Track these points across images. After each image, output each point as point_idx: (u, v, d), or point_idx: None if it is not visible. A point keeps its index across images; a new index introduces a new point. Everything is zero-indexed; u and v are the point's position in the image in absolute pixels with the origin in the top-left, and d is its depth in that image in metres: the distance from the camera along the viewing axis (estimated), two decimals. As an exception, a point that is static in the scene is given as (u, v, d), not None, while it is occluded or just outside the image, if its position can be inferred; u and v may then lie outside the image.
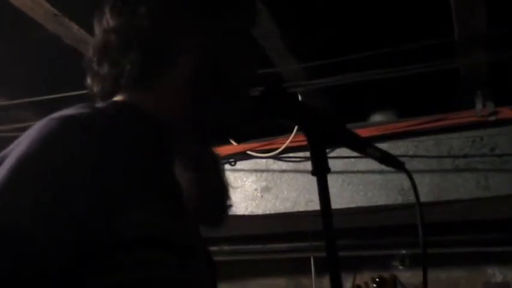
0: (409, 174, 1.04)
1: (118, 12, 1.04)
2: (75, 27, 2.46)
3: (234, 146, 3.10)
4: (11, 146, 0.87)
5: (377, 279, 1.89)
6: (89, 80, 1.06)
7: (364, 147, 1.06)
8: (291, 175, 3.07)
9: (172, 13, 1.02)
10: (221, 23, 1.06)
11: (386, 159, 1.05)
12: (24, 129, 0.91)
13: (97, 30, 1.07)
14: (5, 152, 0.87)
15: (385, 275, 1.90)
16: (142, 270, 0.83)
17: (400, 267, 1.93)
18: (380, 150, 1.05)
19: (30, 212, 0.78)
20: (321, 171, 1.01)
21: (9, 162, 0.82)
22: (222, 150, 3.10)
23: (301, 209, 3.02)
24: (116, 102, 1.02)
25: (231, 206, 1.88)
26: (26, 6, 2.38)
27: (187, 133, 1.06)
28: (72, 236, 0.79)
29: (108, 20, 1.04)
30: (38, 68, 2.79)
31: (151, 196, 0.89)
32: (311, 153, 1.03)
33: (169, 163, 1.01)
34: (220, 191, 1.84)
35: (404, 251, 1.97)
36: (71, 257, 0.79)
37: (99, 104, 0.99)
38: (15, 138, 0.91)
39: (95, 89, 1.05)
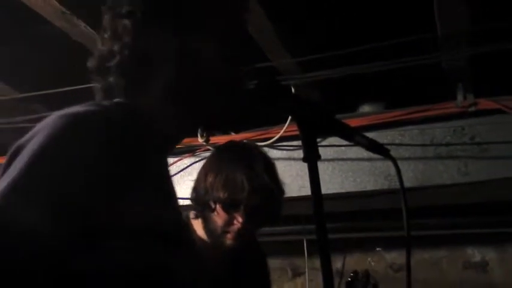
0: (394, 161, 1.04)
1: (101, 36, 1.08)
2: (82, 24, 2.45)
3: (232, 136, 3.10)
4: (26, 137, 0.88)
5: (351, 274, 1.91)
6: (94, 82, 1.10)
7: (352, 135, 1.06)
8: (285, 162, 3.07)
9: (143, 32, 1.03)
10: (193, 35, 1.05)
11: (373, 146, 1.05)
12: (34, 120, 0.92)
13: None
14: (20, 141, 0.88)
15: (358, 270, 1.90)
16: (134, 255, 0.85)
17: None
18: (367, 138, 1.05)
19: (44, 199, 0.79)
20: (311, 158, 1.01)
21: (25, 154, 0.84)
22: (222, 139, 3.10)
23: (294, 194, 3.02)
24: (117, 102, 1.04)
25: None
26: (36, 4, 2.37)
27: (179, 129, 1.09)
28: (79, 221, 0.81)
29: (101, 37, 1.08)
30: (47, 63, 2.78)
31: (147, 189, 0.91)
32: (302, 141, 1.03)
33: (162, 158, 1.05)
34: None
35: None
36: (75, 242, 0.80)
37: (105, 102, 1.01)
38: (25, 128, 0.91)
39: (98, 90, 1.09)
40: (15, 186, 0.80)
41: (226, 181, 1.70)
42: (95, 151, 0.85)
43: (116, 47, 1.03)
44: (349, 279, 1.85)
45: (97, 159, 0.85)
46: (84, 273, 0.82)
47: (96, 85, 1.08)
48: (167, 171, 1.08)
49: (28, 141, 0.86)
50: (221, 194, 1.69)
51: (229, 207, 1.70)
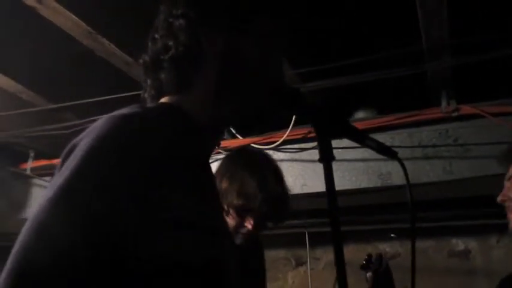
0: (401, 161, 1.04)
1: (152, 37, 1.05)
2: (106, 42, 2.46)
3: (239, 140, 3.11)
4: (81, 136, 0.88)
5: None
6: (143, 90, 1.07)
7: (363, 138, 1.05)
8: (288, 163, 3.07)
9: (191, 31, 1.01)
10: (237, 36, 1.03)
11: (381, 149, 1.04)
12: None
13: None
14: (75, 140, 0.88)
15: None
16: (174, 246, 0.83)
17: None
18: (377, 141, 1.04)
19: (96, 192, 0.78)
20: (327, 158, 1.00)
21: (78, 153, 0.83)
22: (230, 143, 3.10)
23: (296, 192, 3.01)
24: (162, 103, 1.03)
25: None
26: (65, 25, 2.40)
27: (216, 128, 1.06)
28: (126, 209, 0.79)
29: (149, 44, 1.05)
30: (76, 77, 2.79)
31: (187, 184, 0.89)
32: (318, 143, 1.01)
33: (203, 156, 1.02)
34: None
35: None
36: (124, 232, 0.79)
37: (149, 105, 1.01)
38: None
39: (146, 95, 1.06)
40: (65, 188, 0.79)
41: (240, 189, 1.69)
42: (138, 147, 0.84)
43: (171, 43, 1.00)
44: (364, 261, 1.82)
45: (139, 154, 0.83)
46: (140, 270, 0.80)
47: (147, 82, 1.05)
48: (209, 166, 1.05)
49: (81, 140, 0.86)
50: (235, 201, 1.68)
51: (242, 212, 1.70)
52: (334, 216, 0.96)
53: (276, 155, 3.10)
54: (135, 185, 0.81)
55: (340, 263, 0.92)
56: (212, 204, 0.98)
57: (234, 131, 3.09)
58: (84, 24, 2.37)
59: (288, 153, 3.05)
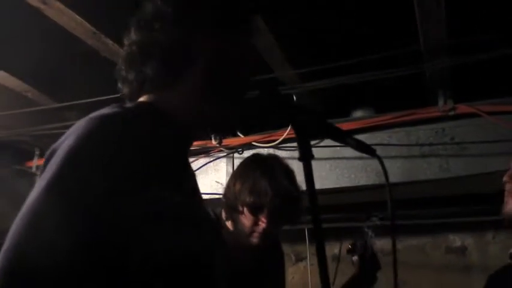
0: (380, 159, 1.04)
1: (139, 29, 1.02)
2: (110, 42, 2.46)
3: (241, 138, 3.11)
4: (60, 140, 0.87)
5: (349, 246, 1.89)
6: (119, 84, 1.05)
7: (343, 137, 1.05)
8: (288, 161, 3.04)
9: (182, 25, 0.99)
10: (225, 36, 1.03)
11: (361, 147, 1.04)
12: (68, 126, 0.91)
13: (125, 43, 1.05)
14: (55, 145, 0.87)
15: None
16: (158, 235, 0.82)
17: (371, 234, 1.91)
18: (356, 139, 1.04)
19: (78, 191, 0.78)
20: (305, 157, 1.00)
21: (60, 154, 0.82)
22: (232, 141, 3.10)
23: (296, 189, 3.02)
24: (141, 102, 1.01)
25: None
26: (70, 26, 2.39)
27: (197, 127, 1.05)
28: (111, 206, 0.79)
29: (132, 35, 1.03)
30: (79, 77, 2.79)
31: (168, 180, 0.89)
32: (298, 143, 1.01)
33: (183, 153, 1.01)
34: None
35: (377, 222, 1.95)
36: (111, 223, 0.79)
37: (128, 104, 0.98)
38: (61, 134, 0.90)
39: (124, 91, 1.04)
40: (49, 189, 0.79)
41: (252, 188, 1.72)
42: (119, 146, 0.83)
43: (162, 36, 0.99)
44: (350, 246, 1.84)
45: (120, 153, 0.83)
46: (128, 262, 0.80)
47: (128, 76, 1.03)
48: (188, 163, 1.05)
49: (61, 143, 0.85)
50: (247, 199, 1.71)
51: (255, 210, 1.72)
52: (315, 213, 0.96)
53: (276, 153, 3.10)
54: (117, 182, 0.80)
55: (321, 255, 0.91)
56: (192, 198, 0.97)
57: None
58: (88, 24, 2.37)
59: (287, 151, 3.05)
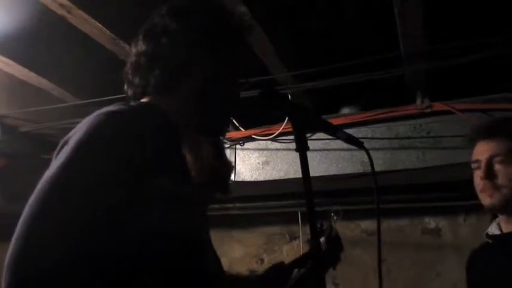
0: (367, 151, 1.06)
1: (147, 40, 1.04)
2: (127, 47, 2.47)
3: (242, 132, 3.13)
4: (72, 132, 0.88)
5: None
6: (125, 86, 1.07)
7: (335, 131, 1.07)
8: (284, 152, 3.09)
9: (186, 44, 1.02)
10: (222, 56, 1.05)
11: (350, 140, 1.06)
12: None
13: (133, 51, 1.07)
14: (67, 136, 0.88)
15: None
16: (161, 215, 0.84)
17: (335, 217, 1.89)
18: (346, 133, 1.06)
19: (84, 180, 0.79)
20: (302, 149, 1.02)
21: (71, 145, 0.83)
22: (234, 134, 3.12)
23: (290, 177, 3.04)
24: (143, 102, 1.03)
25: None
26: (92, 32, 2.40)
27: (191, 128, 1.07)
28: (119, 193, 0.80)
29: (140, 45, 1.05)
30: (101, 77, 2.80)
31: (168, 169, 0.90)
32: (295, 136, 1.03)
33: (179, 147, 1.03)
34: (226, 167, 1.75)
35: (339, 209, 1.94)
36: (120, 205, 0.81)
37: (132, 103, 1.00)
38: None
39: (129, 92, 1.06)
40: (65, 167, 0.79)
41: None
42: (125, 139, 0.84)
43: (166, 52, 1.01)
44: (317, 228, 1.82)
45: (127, 145, 0.84)
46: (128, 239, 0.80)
47: (134, 80, 1.04)
48: (182, 155, 1.06)
49: (74, 134, 0.86)
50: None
51: None
52: (309, 197, 0.98)
53: (273, 145, 3.13)
54: (122, 170, 0.81)
55: (314, 234, 0.97)
56: (186, 182, 0.99)
57: (237, 124, 3.10)
58: (108, 31, 2.37)
59: (283, 143, 3.08)
